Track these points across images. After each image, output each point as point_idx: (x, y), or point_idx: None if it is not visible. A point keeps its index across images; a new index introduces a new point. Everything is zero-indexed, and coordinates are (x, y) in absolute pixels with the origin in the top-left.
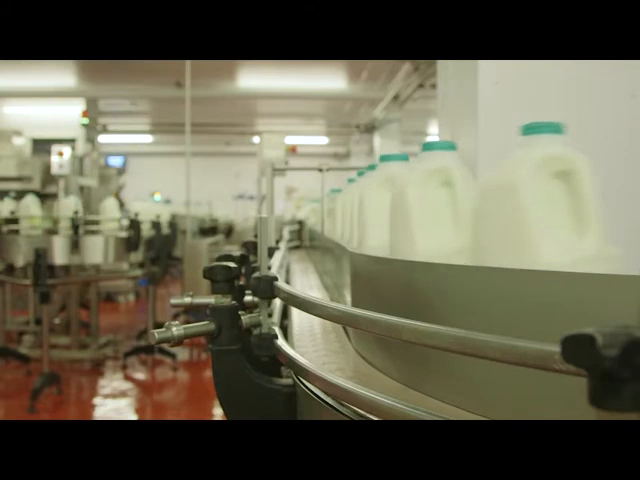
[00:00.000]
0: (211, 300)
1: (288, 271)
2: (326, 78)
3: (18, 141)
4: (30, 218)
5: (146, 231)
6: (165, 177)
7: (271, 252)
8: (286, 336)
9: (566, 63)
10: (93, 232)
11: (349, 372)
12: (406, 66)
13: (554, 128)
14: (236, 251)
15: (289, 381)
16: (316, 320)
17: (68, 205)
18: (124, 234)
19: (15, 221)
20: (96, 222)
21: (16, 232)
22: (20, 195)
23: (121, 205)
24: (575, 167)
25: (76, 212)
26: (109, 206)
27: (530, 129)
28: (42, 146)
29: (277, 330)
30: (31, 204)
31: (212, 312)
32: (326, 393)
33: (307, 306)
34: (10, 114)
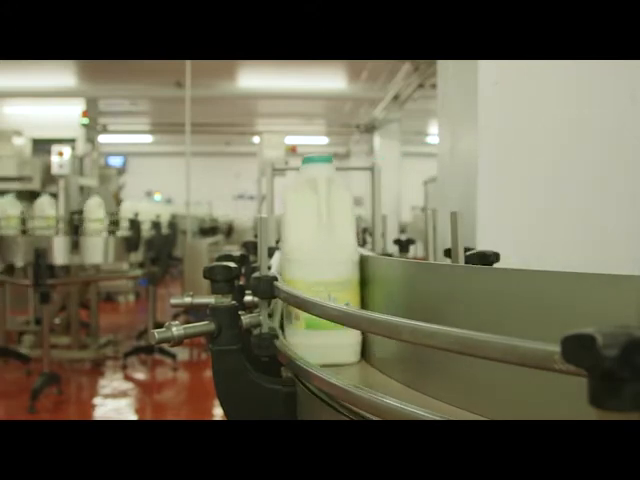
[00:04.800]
0: (211, 300)
1: None
2: (326, 78)
3: (18, 141)
4: (7, 219)
5: (146, 231)
6: (165, 177)
7: (271, 252)
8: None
9: (566, 63)
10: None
11: (348, 371)
12: (406, 66)
13: (321, 159)
14: (236, 251)
15: (289, 381)
16: None
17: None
18: (124, 234)
19: (23, 221)
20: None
21: (24, 232)
22: (20, 195)
23: (120, 205)
24: (320, 186)
25: (76, 212)
26: (93, 205)
27: (305, 160)
28: (42, 146)
29: (277, 330)
30: (46, 204)
31: (212, 312)
32: (326, 393)
33: (307, 306)
34: (10, 114)
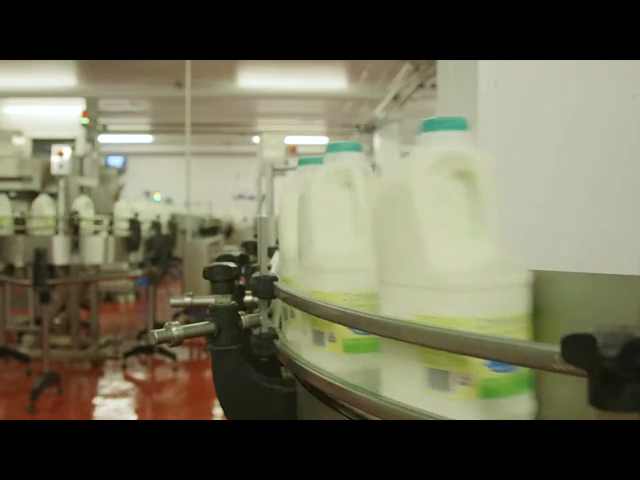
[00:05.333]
0: (211, 300)
1: None
2: (326, 78)
3: (18, 141)
4: (44, 219)
5: (146, 231)
6: (165, 177)
7: (271, 252)
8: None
9: (566, 63)
10: (97, 232)
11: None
12: (406, 66)
13: (456, 124)
14: (236, 251)
15: (289, 381)
16: None
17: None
18: (124, 234)
19: (23, 221)
20: (100, 222)
21: (23, 232)
22: (20, 195)
23: None
24: (475, 166)
25: (75, 212)
26: (120, 207)
27: (429, 125)
28: (42, 146)
29: (277, 330)
30: (45, 204)
31: (212, 312)
32: (326, 393)
33: (307, 306)
34: (10, 114)
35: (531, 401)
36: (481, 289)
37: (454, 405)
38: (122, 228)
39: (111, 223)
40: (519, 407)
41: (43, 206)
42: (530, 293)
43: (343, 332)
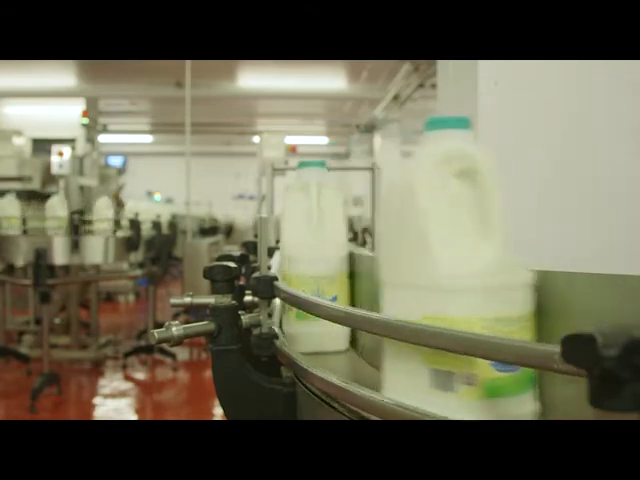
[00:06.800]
0: (211, 300)
1: None
2: (326, 78)
3: (18, 141)
4: (8, 218)
5: (146, 231)
6: (165, 177)
7: (271, 252)
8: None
9: (566, 63)
10: (89, 232)
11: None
12: (406, 66)
13: (459, 123)
14: (236, 251)
15: (289, 381)
16: None
17: (53, 205)
18: (124, 234)
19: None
20: (89, 222)
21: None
22: (20, 195)
23: (121, 205)
24: (479, 165)
25: (77, 212)
26: (102, 205)
27: (433, 124)
28: (42, 146)
29: (277, 330)
30: (8, 205)
31: (212, 312)
32: (326, 393)
33: (307, 306)
34: (10, 114)
35: (534, 401)
36: (485, 289)
37: (457, 405)
38: (106, 228)
39: (116, 223)
40: (522, 407)
41: (6, 206)
42: (532, 293)
43: (484, 371)
